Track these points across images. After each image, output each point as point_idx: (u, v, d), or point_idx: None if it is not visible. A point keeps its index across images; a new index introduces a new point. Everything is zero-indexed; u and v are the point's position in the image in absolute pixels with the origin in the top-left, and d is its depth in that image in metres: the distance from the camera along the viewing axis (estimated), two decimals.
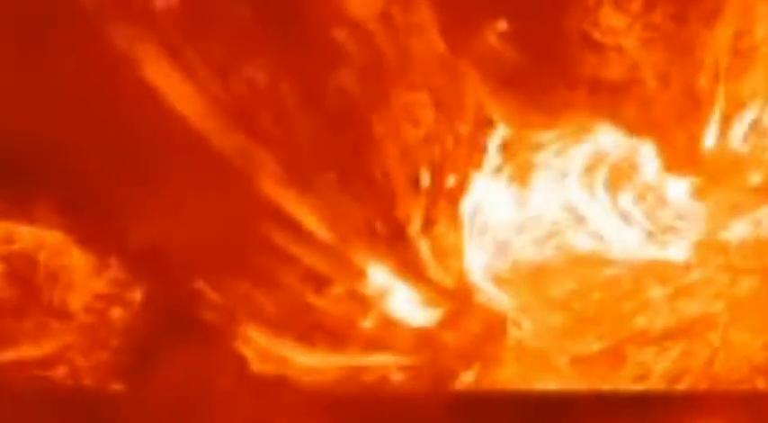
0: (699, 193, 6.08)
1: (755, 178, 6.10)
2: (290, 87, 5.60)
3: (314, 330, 5.83)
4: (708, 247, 6.13)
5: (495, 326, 5.96)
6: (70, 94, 5.36)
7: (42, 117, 5.37)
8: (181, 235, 5.59)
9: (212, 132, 5.49)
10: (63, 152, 5.41)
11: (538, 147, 6.06)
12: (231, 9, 5.48)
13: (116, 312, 5.84)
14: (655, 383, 5.98)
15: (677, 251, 6.11)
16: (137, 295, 5.84)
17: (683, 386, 5.97)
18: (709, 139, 6.03)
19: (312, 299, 5.79)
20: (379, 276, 5.82)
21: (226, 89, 5.51)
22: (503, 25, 5.80)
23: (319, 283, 5.79)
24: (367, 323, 5.87)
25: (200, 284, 5.75)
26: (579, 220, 6.10)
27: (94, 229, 5.72)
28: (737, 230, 6.12)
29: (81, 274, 5.85)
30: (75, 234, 5.76)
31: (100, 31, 5.29)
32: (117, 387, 5.80)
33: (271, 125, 5.60)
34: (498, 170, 6.03)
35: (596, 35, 5.87)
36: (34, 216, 5.70)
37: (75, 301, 5.84)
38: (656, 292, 6.09)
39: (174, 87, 5.41)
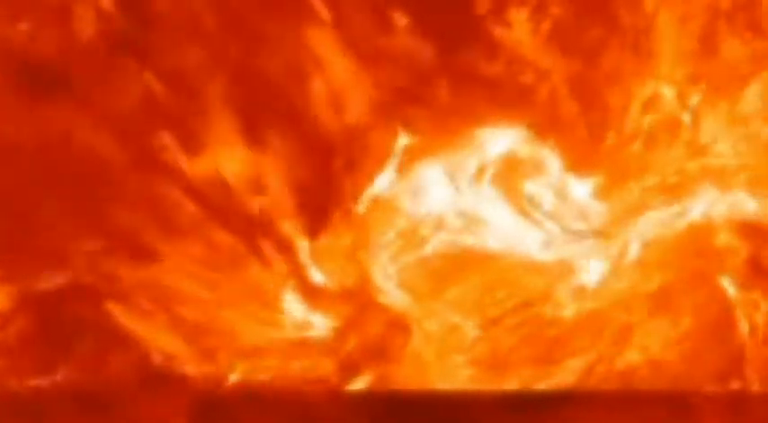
0: (601, 193, 6.04)
1: (658, 178, 6.08)
2: None
3: (209, 331, 5.73)
4: (612, 247, 6.08)
5: (396, 326, 5.87)
6: None
7: None
8: None
9: None
10: None
11: (441, 147, 5.99)
12: None
13: None
14: (560, 382, 5.93)
15: (581, 251, 6.06)
16: None
17: (589, 385, 5.92)
18: (611, 138, 6.01)
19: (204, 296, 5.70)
20: (272, 280, 5.74)
21: None
22: (403, 20, 5.78)
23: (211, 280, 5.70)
24: (263, 323, 5.76)
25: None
26: (481, 220, 6.03)
27: None
28: (641, 230, 6.08)
29: None
30: None
31: None
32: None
33: None
34: (400, 170, 5.95)
35: (499, 34, 5.86)
36: None
37: None
38: (561, 293, 6.04)
39: None
